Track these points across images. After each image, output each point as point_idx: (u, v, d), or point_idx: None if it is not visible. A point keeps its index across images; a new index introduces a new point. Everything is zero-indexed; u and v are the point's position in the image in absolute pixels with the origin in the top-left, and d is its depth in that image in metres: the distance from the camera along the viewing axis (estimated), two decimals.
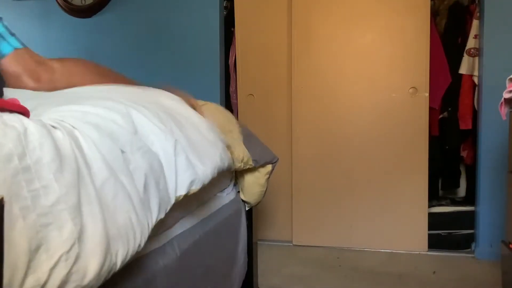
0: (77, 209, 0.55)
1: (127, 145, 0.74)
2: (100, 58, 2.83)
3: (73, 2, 2.83)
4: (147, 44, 2.75)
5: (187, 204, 1.14)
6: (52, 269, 0.50)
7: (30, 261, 0.48)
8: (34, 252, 0.49)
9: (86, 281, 0.54)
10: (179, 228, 1.09)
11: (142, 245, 0.69)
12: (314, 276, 2.09)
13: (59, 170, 0.54)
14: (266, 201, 2.67)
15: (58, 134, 0.59)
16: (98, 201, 0.60)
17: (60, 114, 0.69)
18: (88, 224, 0.56)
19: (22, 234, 0.47)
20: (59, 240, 0.51)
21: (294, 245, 2.60)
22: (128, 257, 0.65)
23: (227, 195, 1.53)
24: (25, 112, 0.56)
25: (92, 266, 0.55)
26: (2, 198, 0.46)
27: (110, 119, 0.76)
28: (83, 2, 2.82)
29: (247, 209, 1.67)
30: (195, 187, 0.91)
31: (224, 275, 1.39)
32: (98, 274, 0.56)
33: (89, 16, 2.84)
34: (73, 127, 0.64)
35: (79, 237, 0.54)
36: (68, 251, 0.52)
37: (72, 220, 0.53)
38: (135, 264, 0.85)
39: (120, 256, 0.62)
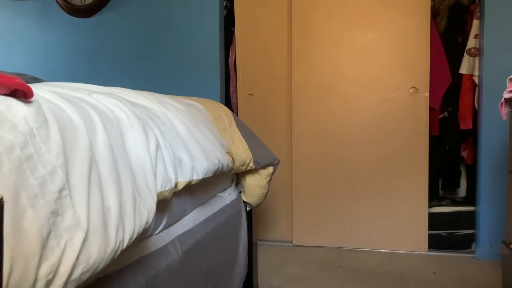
0: (79, 194, 0.55)
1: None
2: (99, 58, 2.83)
3: (73, 2, 2.83)
4: (147, 44, 2.74)
5: (189, 199, 1.14)
6: (61, 255, 0.50)
7: (42, 249, 0.48)
8: (45, 239, 0.49)
9: (92, 262, 0.54)
10: (181, 228, 1.09)
11: (150, 221, 0.70)
12: (314, 276, 2.09)
13: (60, 155, 0.53)
14: (267, 201, 2.67)
15: (61, 116, 0.58)
16: (100, 183, 0.60)
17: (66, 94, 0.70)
18: (90, 208, 0.56)
19: (33, 223, 0.47)
20: (62, 226, 0.51)
21: (294, 245, 2.60)
22: (136, 235, 0.65)
23: (228, 195, 1.53)
24: (27, 92, 0.53)
25: (97, 248, 0.55)
26: (2, 198, 0.45)
27: (112, 106, 0.78)
28: (83, 1, 2.81)
29: (248, 209, 1.66)
30: (196, 177, 0.98)
31: (224, 276, 1.38)
32: (104, 255, 0.57)
33: (89, 16, 2.83)
34: (76, 108, 0.64)
35: (81, 223, 0.54)
36: (72, 238, 0.52)
37: (73, 206, 0.53)
38: (138, 264, 0.85)
39: (127, 234, 0.63)
